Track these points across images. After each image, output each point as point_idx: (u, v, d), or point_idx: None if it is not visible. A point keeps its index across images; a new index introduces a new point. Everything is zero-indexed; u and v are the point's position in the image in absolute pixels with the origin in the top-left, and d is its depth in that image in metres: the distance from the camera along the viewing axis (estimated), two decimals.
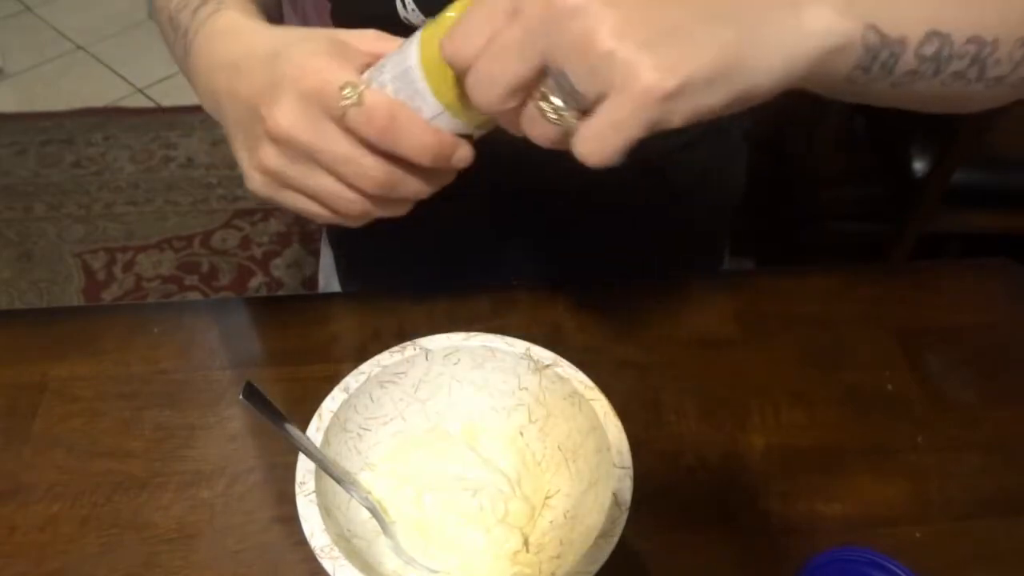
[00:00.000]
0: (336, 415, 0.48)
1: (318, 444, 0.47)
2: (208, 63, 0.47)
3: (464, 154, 0.41)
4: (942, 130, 1.25)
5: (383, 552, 0.47)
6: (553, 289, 0.56)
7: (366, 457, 0.51)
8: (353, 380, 0.50)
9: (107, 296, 1.73)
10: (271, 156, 0.42)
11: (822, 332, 0.64)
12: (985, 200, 1.33)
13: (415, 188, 0.43)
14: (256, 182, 0.44)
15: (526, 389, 0.53)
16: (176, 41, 0.51)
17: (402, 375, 0.52)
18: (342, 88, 0.39)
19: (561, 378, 0.51)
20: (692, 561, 0.50)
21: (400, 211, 0.45)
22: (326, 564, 0.41)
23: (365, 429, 0.51)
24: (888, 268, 1.03)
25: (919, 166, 1.30)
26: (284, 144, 0.41)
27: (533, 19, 0.32)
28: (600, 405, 0.49)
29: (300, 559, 0.48)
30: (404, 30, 0.50)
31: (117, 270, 1.78)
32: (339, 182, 0.42)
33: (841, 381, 0.60)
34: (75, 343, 0.60)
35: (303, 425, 0.47)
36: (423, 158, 0.40)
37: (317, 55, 0.40)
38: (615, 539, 0.43)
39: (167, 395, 0.57)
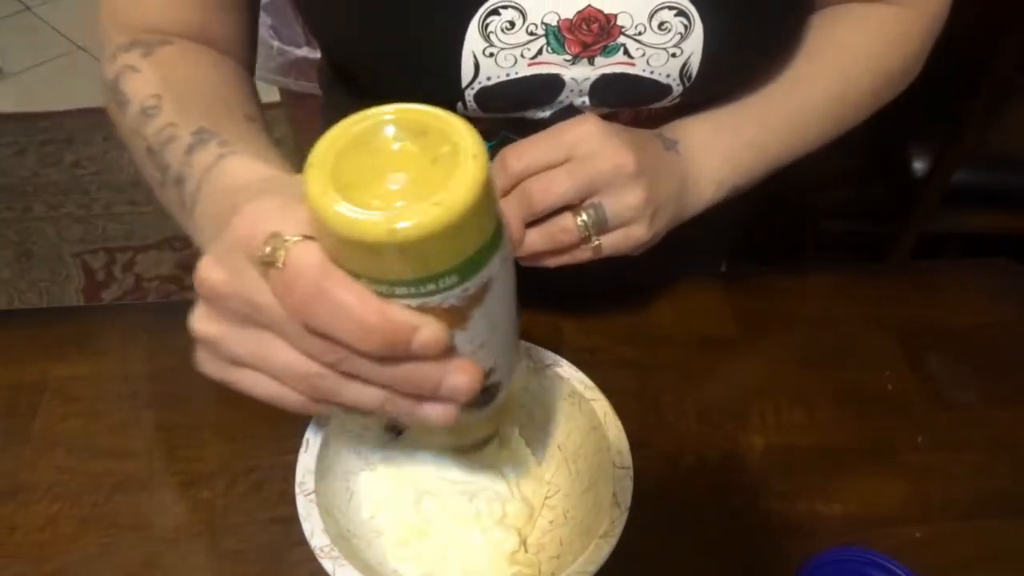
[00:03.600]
0: (336, 415, 0.48)
1: (318, 444, 0.47)
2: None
3: (428, 337, 0.31)
4: (942, 130, 1.25)
5: (383, 552, 0.47)
6: (553, 290, 0.56)
7: (366, 457, 0.51)
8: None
9: (107, 296, 1.73)
10: (203, 319, 0.35)
11: (822, 332, 0.64)
12: (985, 200, 1.33)
13: (371, 395, 0.34)
14: (200, 359, 0.37)
15: (526, 389, 0.53)
16: (165, 184, 0.45)
17: None
18: (265, 241, 0.31)
19: (561, 378, 0.51)
20: (692, 561, 0.50)
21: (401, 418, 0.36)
22: (326, 564, 0.41)
23: (365, 429, 0.51)
24: (888, 268, 1.03)
25: (919, 166, 1.30)
26: (213, 302, 0.34)
27: (602, 169, 0.47)
28: (600, 405, 0.49)
29: (300, 559, 0.48)
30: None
31: (117, 270, 1.78)
32: (292, 349, 0.33)
33: (841, 381, 0.60)
34: (75, 343, 0.60)
35: (302, 426, 0.47)
36: (365, 343, 0.30)
37: (264, 204, 0.33)
38: (615, 539, 0.43)
39: (167, 395, 0.57)
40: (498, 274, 0.33)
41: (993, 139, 1.27)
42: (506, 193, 0.48)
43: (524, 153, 0.47)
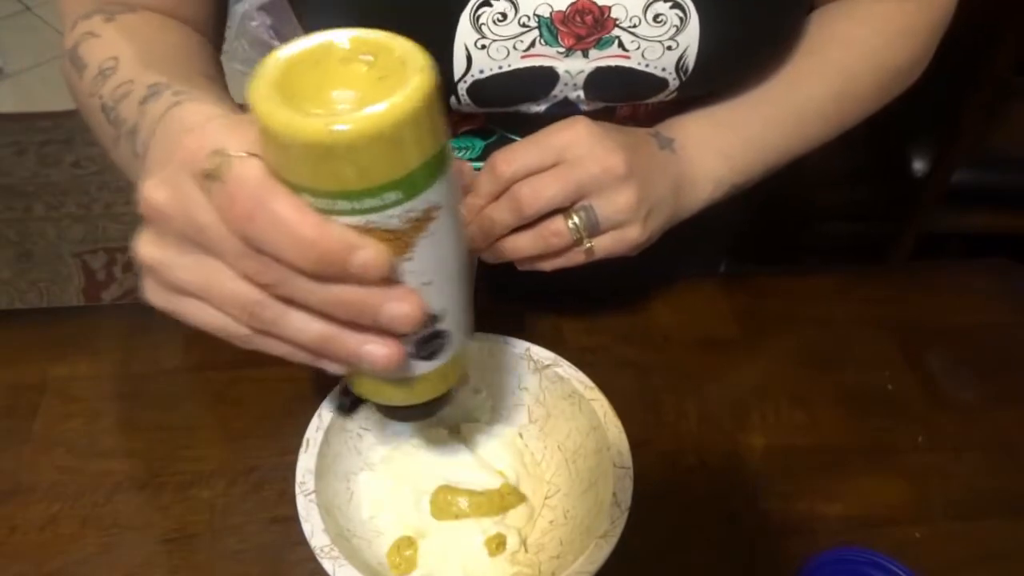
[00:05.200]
0: (336, 415, 0.48)
1: (318, 444, 0.47)
2: None
3: (368, 257, 0.30)
4: (942, 130, 1.25)
5: (383, 552, 0.47)
6: (553, 289, 0.56)
7: (366, 457, 0.51)
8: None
9: (107, 296, 1.73)
10: (147, 243, 0.34)
11: (822, 332, 0.64)
12: (985, 200, 1.33)
13: (312, 328, 0.33)
14: (146, 287, 0.36)
15: (526, 389, 0.53)
16: (119, 139, 0.44)
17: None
18: (208, 156, 0.31)
19: (561, 378, 0.51)
20: (692, 561, 0.50)
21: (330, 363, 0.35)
22: (326, 564, 0.41)
23: (365, 429, 0.51)
24: (888, 268, 1.03)
25: (919, 166, 1.30)
26: (156, 223, 0.33)
27: (592, 172, 0.47)
28: (600, 405, 0.49)
29: (300, 559, 0.48)
30: (458, 118, 0.55)
31: (117, 270, 1.78)
32: (235, 276, 0.32)
33: (841, 381, 0.60)
34: (75, 343, 0.60)
35: (302, 426, 0.47)
36: (302, 258, 0.30)
37: (214, 123, 0.32)
38: (615, 539, 0.43)
39: (167, 395, 0.57)
40: (443, 203, 0.32)
41: (993, 139, 1.27)
42: (496, 198, 0.48)
43: (513, 158, 0.47)
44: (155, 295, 0.36)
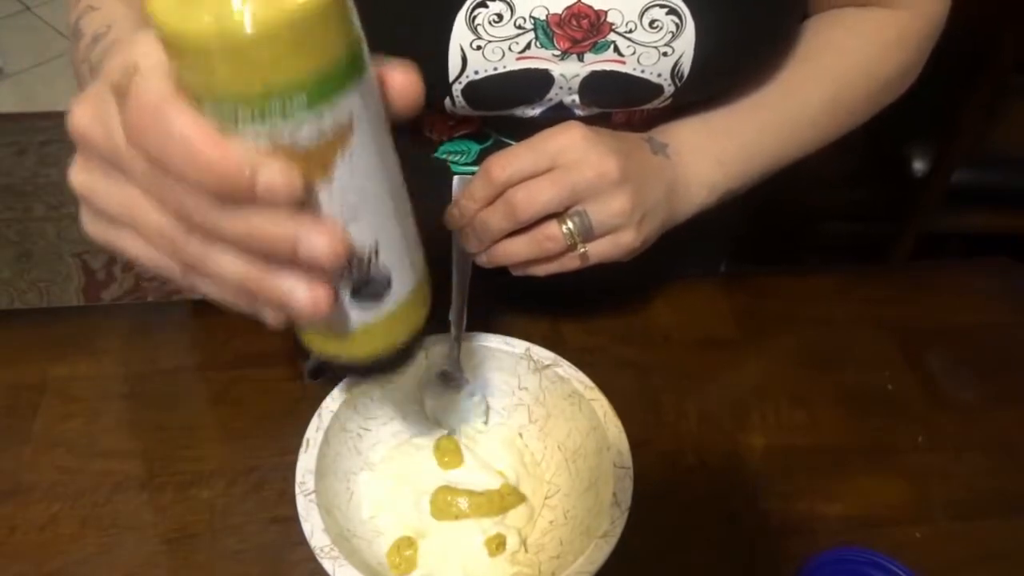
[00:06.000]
0: (336, 415, 0.48)
1: (318, 444, 0.47)
2: None
3: (274, 176, 0.27)
4: (942, 130, 1.25)
5: (383, 552, 0.47)
6: (553, 290, 0.56)
7: (366, 457, 0.51)
8: (353, 379, 0.50)
9: (107, 296, 1.73)
10: (77, 170, 0.33)
11: (822, 332, 0.64)
12: (985, 200, 1.33)
13: (234, 265, 0.31)
14: (83, 218, 0.34)
15: (526, 389, 0.53)
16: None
17: (402, 375, 0.52)
18: (122, 68, 0.28)
19: (561, 378, 0.51)
20: (692, 561, 0.50)
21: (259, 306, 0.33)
22: (326, 564, 0.41)
23: (365, 429, 0.51)
24: (888, 268, 1.03)
25: (919, 166, 1.30)
26: (84, 148, 0.32)
27: (586, 177, 0.47)
28: (600, 405, 0.49)
29: (300, 559, 0.48)
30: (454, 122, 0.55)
31: (117, 270, 1.78)
32: (154, 205, 0.31)
33: (841, 381, 0.60)
34: (75, 343, 0.60)
35: (302, 426, 0.47)
36: (202, 177, 0.27)
37: (144, 35, 0.29)
38: (615, 539, 0.43)
39: (167, 395, 0.57)
40: (361, 115, 0.29)
41: (993, 139, 1.27)
42: (490, 202, 0.48)
43: (508, 162, 0.47)
44: (91, 226, 0.34)
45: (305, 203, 0.29)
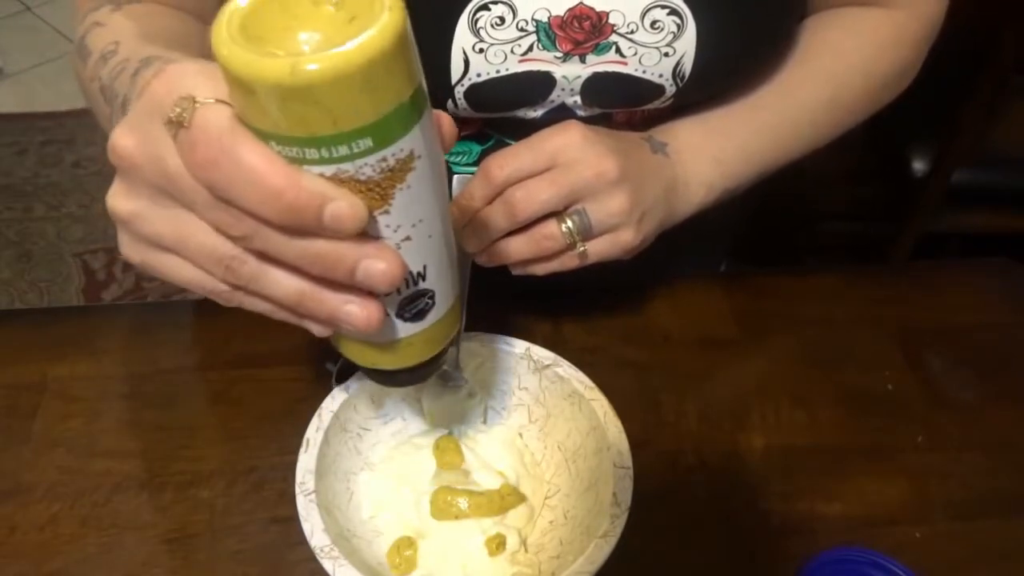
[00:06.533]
0: (336, 415, 0.48)
1: (318, 444, 0.47)
2: None
3: (342, 208, 0.29)
4: (942, 130, 1.25)
5: (383, 552, 0.47)
6: (553, 289, 0.56)
7: (366, 457, 0.51)
8: (353, 380, 0.50)
9: (107, 296, 1.73)
10: (119, 196, 0.33)
11: (822, 332, 0.64)
12: (985, 200, 1.33)
13: (289, 285, 0.32)
14: (121, 242, 0.35)
15: (526, 389, 0.53)
16: (114, 115, 0.43)
17: None
18: (176, 102, 0.30)
19: (561, 378, 0.51)
20: (692, 561, 0.50)
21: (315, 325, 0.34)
22: (326, 564, 0.41)
23: (365, 429, 0.51)
24: (888, 268, 1.03)
25: (919, 166, 1.30)
26: (128, 173, 0.32)
27: (584, 177, 0.47)
28: (600, 405, 0.49)
29: (300, 559, 0.48)
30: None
31: (117, 270, 1.78)
32: (208, 229, 0.32)
33: (841, 381, 0.60)
34: (75, 343, 0.60)
35: (302, 426, 0.47)
36: (271, 209, 0.29)
37: (185, 66, 0.31)
38: (615, 539, 0.43)
39: (167, 395, 0.57)
40: (421, 151, 0.31)
41: (993, 139, 1.27)
42: (489, 202, 0.48)
43: (506, 162, 0.47)
44: (131, 250, 0.34)
45: (367, 232, 0.31)
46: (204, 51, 0.50)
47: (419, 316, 0.36)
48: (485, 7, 0.47)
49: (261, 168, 0.28)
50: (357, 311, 0.32)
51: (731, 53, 0.51)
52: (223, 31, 0.28)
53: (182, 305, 0.64)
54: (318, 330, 0.35)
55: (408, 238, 0.32)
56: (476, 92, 0.50)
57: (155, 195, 0.32)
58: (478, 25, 0.47)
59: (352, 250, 0.30)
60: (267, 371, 0.58)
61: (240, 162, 0.28)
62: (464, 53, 0.48)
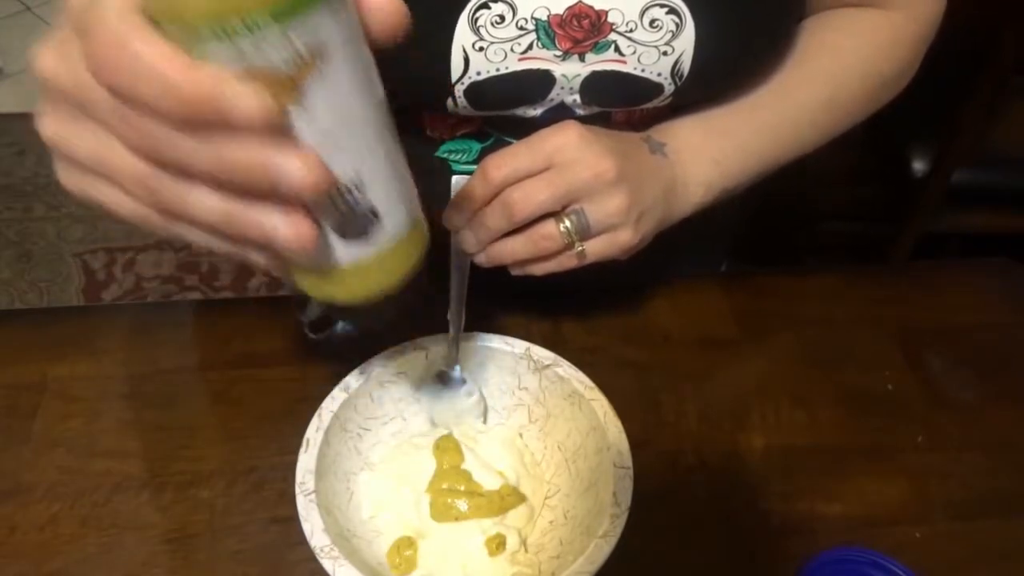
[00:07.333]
0: (336, 415, 0.48)
1: (318, 444, 0.47)
2: None
3: (247, 100, 0.26)
4: (942, 130, 1.25)
5: (383, 552, 0.47)
6: (553, 290, 0.56)
7: (366, 457, 0.51)
8: (353, 380, 0.50)
9: (107, 296, 1.73)
10: (45, 117, 0.32)
11: (822, 332, 0.64)
12: (985, 200, 1.33)
13: (212, 203, 0.30)
14: (58, 171, 0.33)
15: (526, 389, 0.53)
16: None
17: (402, 375, 0.52)
18: (84, 6, 0.28)
19: (561, 378, 0.51)
20: (692, 561, 0.50)
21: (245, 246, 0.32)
22: (326, 564, 0.41)
23: (365, 429, 0.51)
24: (888, 268, 1.03)
25: (919, 166, 1.30)
26: (51, 94, 0.31)
27: (582, 177, 0.47)
28: (600, 405, 0.49)
29: (300, 559, 0.48)
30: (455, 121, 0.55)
31: (117, 270, 1.78)
32: (125, 146, 0.30)
33: (841, 381, 0.60)
34: (75, 343, 0.60)
35: (302, 426, 0.47)
36: (172, 104, 0.27)
37: None
38: (615, 539, 0.43)
39: (167, 395, 0.57)
40: (336, 37, 0.28)
41: (993, 139, 1.27)
42: (487, 203, 0.48)
43: (504, 162, 0.47)
44: (65, 177, 0.33)
45: (280, 132, 0.28)
46: None
47: (362, 236, 0.34)
48: (485, 5, 0.47)
49: (155, 58, 0.26)
50: (286, 229, 0.30)
51: (730, 52, 0.51)
52: None
53: (182, 305, 0.64)
54: (258, 258, 0.33)
55: (333, 141, 0.30)
56: (476, 90, 0.50)
57: (76, 113, 0.30)
58: (478, 23, 0.47)
59: (265, 152, 0.28)
60: (267, 371, 0.58)
61: (134, 55, 0.26)
62: (464, 51, 0.48)
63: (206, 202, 0.30)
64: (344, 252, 0.34)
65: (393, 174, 0.34)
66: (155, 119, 0.27)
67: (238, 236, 0.31)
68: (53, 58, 0.30)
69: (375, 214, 0.33)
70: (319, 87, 0.28)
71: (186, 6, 0.26)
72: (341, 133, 0.30)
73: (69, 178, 0.33)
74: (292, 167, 0.28)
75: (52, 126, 0.31)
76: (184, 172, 0.29)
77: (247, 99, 0.26)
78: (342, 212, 0.32)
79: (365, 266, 0.35)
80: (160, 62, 0.26)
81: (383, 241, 0.35)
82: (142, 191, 0.30)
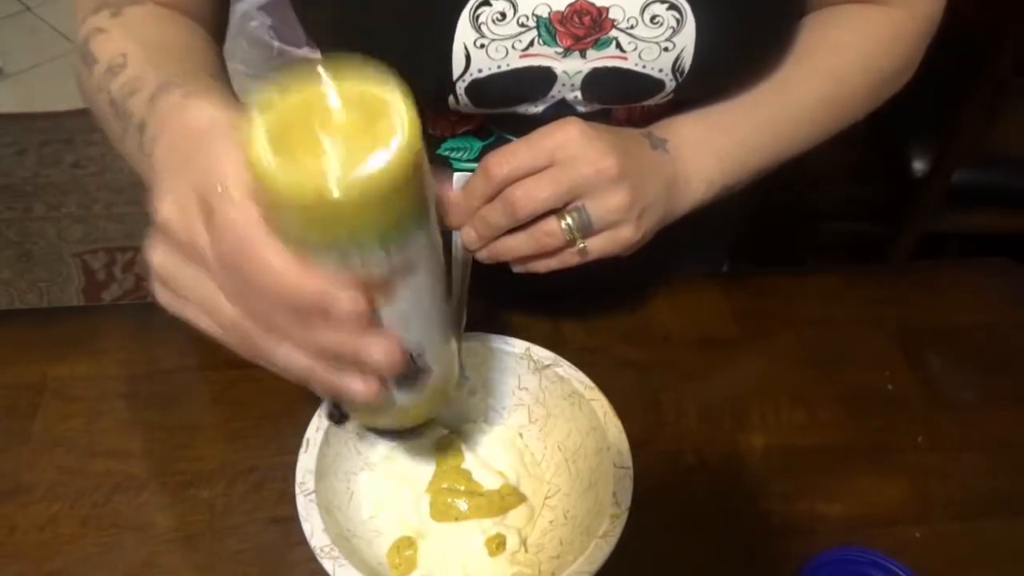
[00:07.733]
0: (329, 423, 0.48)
1: (318, 444, 0.47)
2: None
3: (346, 304, 0.32)
4: (942, 129, 1.25)
5: (383, 552, 0.47)
6: (553, 289, 0.56)
7: (366, 457, 0.51)
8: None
9: (107, 296, 1.73)
10: (156, 250, 0.36)
11: (822, 332, 0.64)
12: (985, 200, 1.33)
13: (300, 360, 0.35)
14: (155, 289, 0.38)
15: (526, 389, 0.53)
16: (127, 133, 0.46)
17: None
18: (210, 189, 0.33)
19: (561, 378, 0.51)
20: (692, 561, 0.50)
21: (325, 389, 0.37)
22: (326, 564, 0.41)
23: (364, 430, 0.51)
24: (888, 268, 1.03)
25: (919, 166, 1.30)
26: (166, 235, 0.36)
27: (584, 174, 0.47)
28: (600, 405, 0.49)
29: (300, 559, 0.48)
30: (456, 118, 0.56)
31: (117, 270, 1.78)
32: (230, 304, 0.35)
33: (841, 381, 0.60)
34: (75, 343, 0.60)
35: (302, 426, 0.47)
36: (283, 303, 0.32)
37: (226, 148, 0.33)
38: (615, 539, 0.43)
39: (167, 395, 0.57)
40: (424, 252, 0.35)
41: (993, 139, 1.27)
42: (489, 200, 0.48)
43: (506, 160, 0.47)
44: (163, 297, 0.38)
45: (369, 322, 0.34)
46: (207, 64, 0.51)
47: (415, 389, 0.41)
48: (486, 3, 0.47)
49: (274, 263, 0.32)
50: (359, 387, 0.35)
51: (730, 48, 0.51)
52: (254, 141, 0.30)
53: None
54: (323, 394, 0.39)
55: (408, 324, 0.36)
56: (477, 88, 0.50)
57: (185, 258, 0.35)
58: (479, 21, 0.47)
59: (357, 340, 0.33)
60: (267, 371, 0.58)
61: (255, 256, 0.32)
62: (466, 48, 0.48)
63: (292, 357, 0.35)
64: (396, 396, 0.41)
65: (444, 340, 0.42)
66: (265, 300, 0.33)
67: (315, 382, 0.36)
68: (176, 211, 0.35)
69: (426, 372, 0.40)
70: (403, 287, 0.35)
71: (309, 233, 0.31)
72: (417, 318, 0.37)
73: (166, 298, 0.38)
74: (376, 352, 0.34)
75: (160, 258, 0.36)
76: (281, 337, 0.35)
77: (347, 302, 0.32)
78: (404, 373, 0.38)
79: (410, 406, 0.43)
80: (277, 266, 0.32)
81: (428, 389, 0.42)
82: (235, 335, 0.36)
